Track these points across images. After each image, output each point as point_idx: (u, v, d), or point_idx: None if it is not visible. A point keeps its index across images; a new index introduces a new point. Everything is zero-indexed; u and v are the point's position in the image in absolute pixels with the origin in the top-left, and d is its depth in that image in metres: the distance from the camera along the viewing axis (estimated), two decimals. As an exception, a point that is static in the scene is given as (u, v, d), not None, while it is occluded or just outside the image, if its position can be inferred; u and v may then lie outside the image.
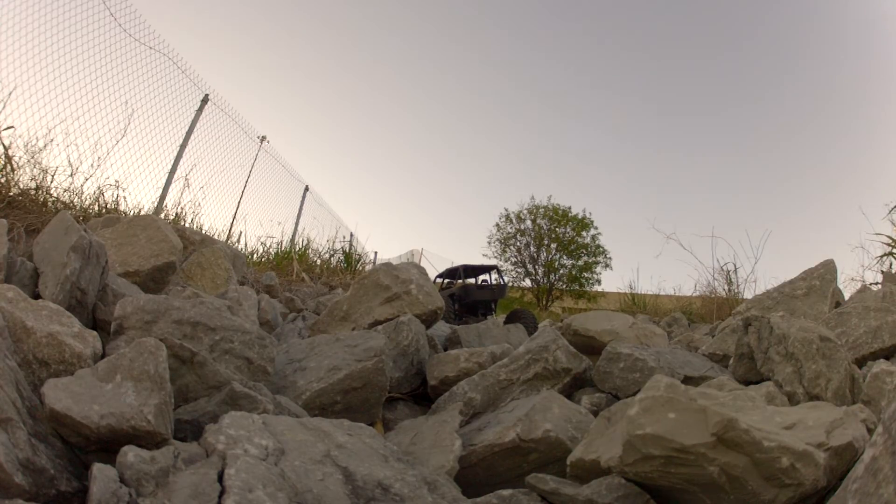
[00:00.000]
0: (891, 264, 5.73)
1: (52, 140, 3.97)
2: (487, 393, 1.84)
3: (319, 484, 0.99)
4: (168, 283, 2.66)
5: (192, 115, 6.33)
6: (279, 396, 1.51)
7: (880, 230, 5.91)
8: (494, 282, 3.53)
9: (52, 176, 3.76)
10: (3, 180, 3.38)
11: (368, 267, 8.69)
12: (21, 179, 3.50)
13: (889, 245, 5.74)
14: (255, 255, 6.78)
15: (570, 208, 20.19)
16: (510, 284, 19.58)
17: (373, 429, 1.30)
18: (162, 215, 5.33)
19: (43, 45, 4.43)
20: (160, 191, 5.71)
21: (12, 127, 3.70)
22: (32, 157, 3.68)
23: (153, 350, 1.20)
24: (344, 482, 1.02)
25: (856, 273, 6.85)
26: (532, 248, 20.22)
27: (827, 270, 3.00)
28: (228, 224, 7.02)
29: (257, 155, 7.97)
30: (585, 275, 19.67)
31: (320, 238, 11.50)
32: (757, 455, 0.93)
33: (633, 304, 8.88)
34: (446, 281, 3.80)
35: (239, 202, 7.42)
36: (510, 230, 20.65)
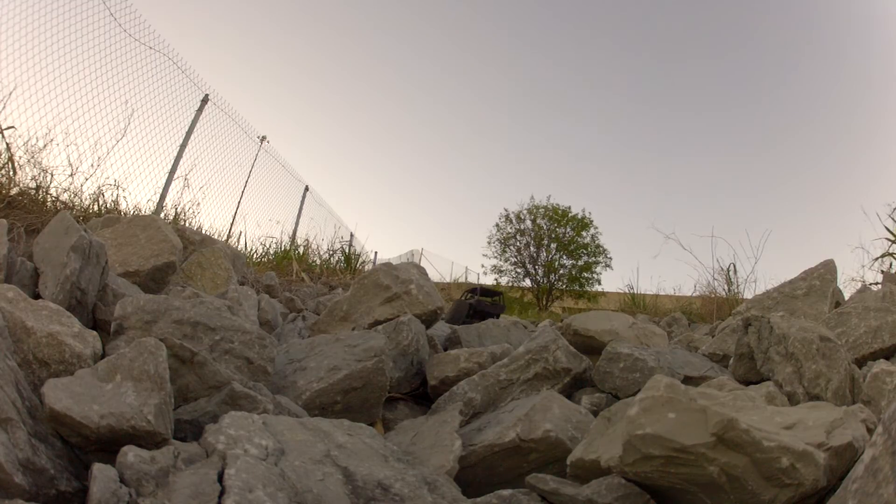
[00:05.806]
0: (891, 264, 5.74)
1: (52, 140, 3.98)
2: (487, 393, 1.84)
3: (319, 484, 0.99)
4: (168, 283, 2.66)
5: (192, 115, 6.34)
6: (279, 396, 1.51)
7: (880, 231, 5.91)
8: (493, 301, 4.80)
9: (52, 176, 3.76)
10: (3, 180, 3.38)
11: (368, 267, 8.68)
12: (21, 179, 3.50)
13: (889, 241, 5.74)
14: (255, 255, 6.78)
15: (569, 208, 20.23)
16: (510, 285, 19.66)
17: (373, 429, 1.30)
18: (162, 215, 5.33)
19: (43, 45, 4.44)
20: (160, 191, 5.73)
21: (13, 127, 3.70)
22: (32, 157, 3.68)
23: (153, 350, 1.20)
24: (344, 482, 1.02)
25: (856, 273, 6.86)
26: (532, 248, 20.24)
27: (827, 270, 3.00)
28: (228, 224, 7.04)
29: (257, 155, 7.99)
30: (585, 275, 19.69)
31: (320, 238, 11.49)
32: (757, 455, 0.93)
33: (633, 304, 8.88)
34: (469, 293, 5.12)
35: (239, 202, 7.44)
36: (510, 230, 20.68)
